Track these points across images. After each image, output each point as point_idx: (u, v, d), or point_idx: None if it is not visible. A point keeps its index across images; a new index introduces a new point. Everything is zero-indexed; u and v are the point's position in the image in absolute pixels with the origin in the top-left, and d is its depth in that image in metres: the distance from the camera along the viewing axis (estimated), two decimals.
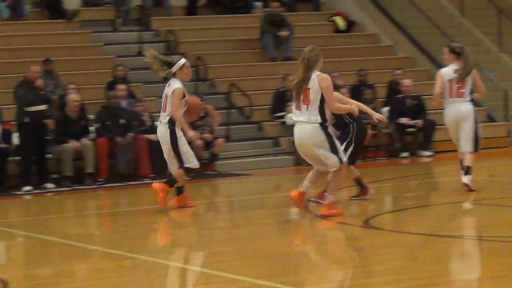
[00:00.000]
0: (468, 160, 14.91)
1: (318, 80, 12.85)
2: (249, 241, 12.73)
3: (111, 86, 20.84)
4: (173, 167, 15.04)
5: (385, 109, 21.99)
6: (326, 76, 12.95)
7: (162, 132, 14.81)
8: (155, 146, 19.59)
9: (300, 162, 20.87)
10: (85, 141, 19.42)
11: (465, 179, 14.88)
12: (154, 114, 20.51)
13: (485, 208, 14.42)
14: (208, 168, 20.27)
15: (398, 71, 22.76)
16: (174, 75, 14.81)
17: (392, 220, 13.71)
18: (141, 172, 19.63)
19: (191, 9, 25.87)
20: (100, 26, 24.64)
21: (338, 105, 13.05)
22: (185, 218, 15.54)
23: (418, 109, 21.39)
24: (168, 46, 23.83)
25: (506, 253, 10.80)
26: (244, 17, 25.94)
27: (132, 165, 19.70)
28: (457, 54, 15.48)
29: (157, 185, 15.11)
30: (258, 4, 26.33)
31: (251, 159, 21.13)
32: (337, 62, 23.52)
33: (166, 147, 14.83)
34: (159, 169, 19.64)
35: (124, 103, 20.26)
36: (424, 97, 21.49)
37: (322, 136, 12.88)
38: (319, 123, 12.89)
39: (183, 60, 14.93)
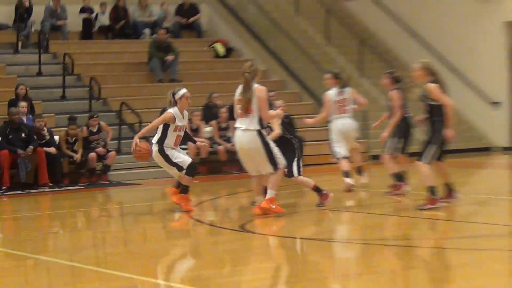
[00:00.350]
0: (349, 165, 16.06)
1: (256, 91, 13.23)
2: (138, 243, 12.83)
3: (13, 103, 20.63)
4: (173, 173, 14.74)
5: None
6: (262, 87, 13.41)
7: (153, 151, 14.47)
8: (53, 158, 19.67)
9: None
10: None
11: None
12: (52, 129, 20.44)
13: (347, 214, 14.72)
14: (101, 178, 20.32)
15: (272, 93, 22.87)
16: (175, 103, 14.52)
17: (264, 224, 13.83)
18: (40, 181, 19.45)
19: (86, 34, 25.78)
20: (2, 48, 24.36)
21: (269, 113, 13.47)
22: (80, 223, 15.52)
23: (289, 127, 21.58)
24: (65, 67, 23.66)
25: (359, 255, 11.07)
26: (134, 42, 25.94)
27: (32, 175, 19.52)
28: (339, 78, 16.96)
29: (175, 198, 14.82)
30: (146, 31, 26.31)
31: (139, 170, 21.11)
32: (217, 84, 23.74)
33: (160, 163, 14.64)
34: (57, 178, 19.65)
35: (25, 119, 20.11)
36: (294, 116, 21.71)
37: (259, 142, 13.26)
38: (257, 130, 13.27)
39: (183, 91, 14.73)
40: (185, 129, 14.67)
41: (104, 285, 9.76)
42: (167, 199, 15.41)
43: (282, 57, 25.89)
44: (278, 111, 14.02)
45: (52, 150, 19.73)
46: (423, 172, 13.65)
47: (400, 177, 15.86)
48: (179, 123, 14.33)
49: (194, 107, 21.55)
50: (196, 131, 20.95)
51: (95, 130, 20.51)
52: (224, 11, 27.30)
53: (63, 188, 19.52)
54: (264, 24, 26.70)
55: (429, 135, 13.61)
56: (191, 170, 14.46)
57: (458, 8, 25.74)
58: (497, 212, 14.55)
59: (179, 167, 14.38)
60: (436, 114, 13.54)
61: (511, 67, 25.49)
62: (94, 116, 20.68)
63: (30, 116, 20.46)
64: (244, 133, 13.36)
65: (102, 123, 20.70)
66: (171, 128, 14.29)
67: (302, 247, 11.87)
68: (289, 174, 14.18)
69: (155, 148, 14.39)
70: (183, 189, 14.59)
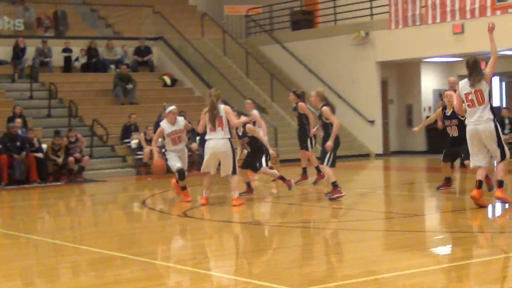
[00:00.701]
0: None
1: (224, 109, 13.01)
2: (105, 225, 12.60)
3: (11, 119, 20.32)
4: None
5: (197, 138, 22.01)
6: (227, 106, 13.26)
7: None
8: (40, 161, 19.37)
9: (140, 173, 20.82)
10: None
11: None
12: (40, 139, 20.13)
13: (264, 204, 14.59)
14: (78, 176, 19.98)
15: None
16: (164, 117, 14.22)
17: (203, 211, 13.69)
18: (31, 178, 19.15)
19: (67, 68, 25.43)
20: (2, 78, 23.96)
21: (237, 121, 13.31)
22: (61, 210, 15.26)
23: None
24: (50, 93, 23.31)
25: (274, 234, 10.94)
26: (102, 75, 25.60)
27: (25, 173, 19.20)
28: (256, 104, 17.06)
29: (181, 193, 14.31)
30: (112, 66, 26.03)
31: (107, 170, 20.88)
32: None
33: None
34: (44, 176, 19.36)
35: (20, 131, 19.78)
36: None
37: (230, 148, 13.00)
38: (228, 138, 13.04)
39: (171, 108, 14.09)
40: (183, 131, 14.23)
41: (79, 258, 9.55)
42: (128, 192, 15.26)
43: (213, 86, 25.60)
44: (243, 118, 13.80)
45: (39, 155, 19.47)
46: (326, 172, 13.56)
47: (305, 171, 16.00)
48: (169, 130, 13.97)
49: (148, 122, 21.45)
50: (149, 141, 20.68)
51: (73, 140, 20.20)
52: (170, 52, 27.11)
53: (48, 184, 19.21)
54: (200, 62, 26.54)
55: (324, 144, 13.47)
56: (179, 175, 14.01)
57: (343, 51, 25.85)
58: (373, 202, 14.52)
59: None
60: (327, 129, 13.46)
61: (382, 94, 25.68)
62: (72, 130, 20.44)
63: (24, 129, 20.14)
64: (219, 141, 12.98)
65: (78, 135, 20.43)
66: (165, 135, 13.98)
67: (227, 229, 11.71)
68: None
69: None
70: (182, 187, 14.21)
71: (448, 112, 13.82)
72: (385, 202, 14.63)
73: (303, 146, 16.10)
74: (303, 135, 16.06)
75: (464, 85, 11.91)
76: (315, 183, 15.95)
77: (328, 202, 13.37)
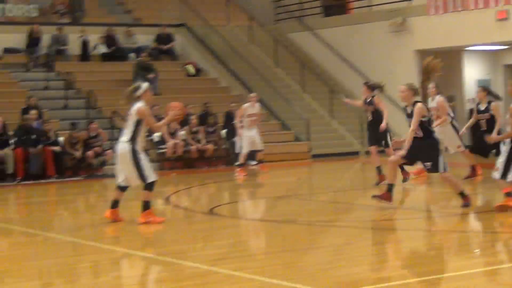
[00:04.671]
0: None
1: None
2: (127, 223, 12.63)
3: (25, 111, 20.45)
4: (132, 182, 11.72)
5: (224, 131, 22.11)
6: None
7: (122, 149, 11.46)
8: (57, 155, 19.51)
9: (163, 167, 20.88)
10: (7, 150, 19.08)
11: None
12: (56, 132, 20.26)
13: (297, 200, 14.58)
14: (98, 170, 20.10)
15: (233, 104, 22.88)
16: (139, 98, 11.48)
17: (230, 209, 13.75)
18: (48, 173, 19.29)
19: (84, 57, 25.53)
20: (17, 67, 24.12)
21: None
22: (80, 206, 15.36)
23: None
24: (67, 83, 23.44)
25: (305, 233, 10.96)
26: (122, 63, 25.65)
27: (41, 168, 19.33)
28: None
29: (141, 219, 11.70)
30: (132, 55, 26.11)
31: None
32: (188, 97, 23.54)
33: (125, 164, 11.51)
34: (61, 171, 19.51)
35: (35, 124, 19.93)
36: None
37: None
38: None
39: (145, 85, 11.66)
40: None
41: (99, 257, 9.62)
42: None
43: (240, 76, 25.78)
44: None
45: (56, 148, 19.61)
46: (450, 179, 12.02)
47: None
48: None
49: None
50: (173, 134, 20.80)
51: (94, 134, 20.33)
52: (194, 40, 27.14)
53: (66, 179, 19.33)
54: (226, 50, 26.57)
55: None
56: (153, 184, 11.70)
57: (378, 39, 25.75)
58: (415, 199, 14.45)
59: (142, 176, 11.52)
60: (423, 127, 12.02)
61: (421, 85, 25.50)
62: (94, 122, 20.57)
63: (39, 121, 20.28)
64: None
65: (100, 130, 20.52)
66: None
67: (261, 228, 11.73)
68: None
69: (123, 146, 11.49)
70: (144, 205, 11.73)
71: (482, 107, 14.97)
72: (427, 199, 14.59)
73: (380, 144, 15.47)
74: (378, 131, 15.35)
75: None
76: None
77: (371, 200, 13.30)
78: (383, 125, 15.16)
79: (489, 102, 15.29)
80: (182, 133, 21.42)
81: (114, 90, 24.26)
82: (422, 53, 25.23)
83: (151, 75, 24.15)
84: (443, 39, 24.14)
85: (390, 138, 15.46)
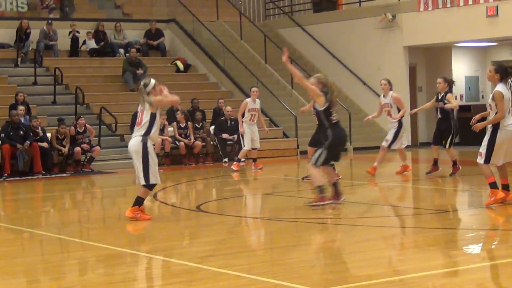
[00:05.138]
0: None
1: None
2: (114, 220, 12.66)
3: (13, 107, 20.41)
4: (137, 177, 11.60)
5: (212, 127, 22.13)
6: None
7: (134, 144, 11.49)
8: (45, 151, 19.50)
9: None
10: None
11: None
12: (44, 128, 20.23)
13: (280, 198, 14.61)
14: (85, 167, 20.06)
15: (221, 101, 22.93)
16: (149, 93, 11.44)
17: (217, 206, 13.77)
18: (35, 169, 19.21)
19: (73, 52, 25.51)
20: (5, 63, 24.09)
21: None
22: (67, 203, 15.35)
23: (235, 127, 21.41)
24: (55, 78, 23.38)
25: (292, 230, 11.00)
26: (111, 59, 25.67)
27: (28, 164, 19.28)
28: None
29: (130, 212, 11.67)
30: (121, 50, 26.10)
31: (116, 161, 20.94)
32: (178, 93, 23.34)
33: (136, 158, 11.47)
34: (48, 167, 19.48)
35: (23, 119, 19.88)
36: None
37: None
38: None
39: (154, 81, 11.57)
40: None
41: (86, 254, 9.64)
42: (138, 185, 15.25)
43: (229, 72, 25.80)
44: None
45: (44, 144, 19.56)
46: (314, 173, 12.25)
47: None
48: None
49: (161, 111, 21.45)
50: (161, 130, 20.78)
51: (81, 130, 20.29)
52: (183, 35, 27.15)
53: (53, 175, 19.31)
54: (215, 46, 26.57)
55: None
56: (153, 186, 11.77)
57: (368, 35, 25.80)
58: (400, 196, 14.50)
59: (147, 175, 11.50)
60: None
61: (411, 81, 25.61)
62: (81, 118, 20.51)
63: (27, 117, 20.24)
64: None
65: (87, 125, 20.47)
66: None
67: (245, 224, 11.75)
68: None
69: (137, 141, 11.47)
70: (137, 200, 11.75)
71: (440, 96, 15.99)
72: (412, 196, 14.65)
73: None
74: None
75: None
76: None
77: (350, 197, 13.36)
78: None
79: (446, 93, 15.88)
80: (170, 129, 21.44)
81: (103, 86, 24.37)
82: (411, 49, 25.36)
83: (140, 71, 24.17)
84: (433, 35, 24.20)
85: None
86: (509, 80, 12.48)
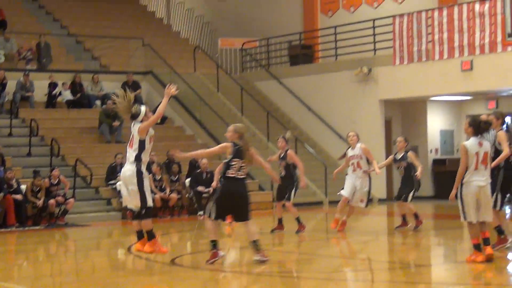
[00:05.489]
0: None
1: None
2: (88, 274, 12.56)
3: None
4: (132, 203, 12.04)
5: (187, 180, 22.10)
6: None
7: (127, 171, 11.98)
8: (19, 203, 19.37)
9: (126, 217, 20.77)
10: None
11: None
12: (19, 179, 20.13)
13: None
14: (59, 220, 19.95)
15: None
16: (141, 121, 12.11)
17: (192, 259, 13.69)
18: (9, 222, 19.08)
19: (50, 104, 25.54)
20: None
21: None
22: (41, 256, 15.22)
23: (211, 180, 21.39)
24: (31, 130, 23.34)
25: (266, 285, 10.94)
26: (87, 110, 25.70)
27: (2, 216, 19.12)
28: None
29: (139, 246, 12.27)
30: (98, 102, 26.15)
31: (90, 214, 20.86)
32: (153, 145, 23.43)
33: (129, 185, 11.96)
34: (22, 220, 19.35)
35: None
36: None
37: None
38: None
39: (144, 108, 12.25)
40: None
41: None
42: (112, 237, 15.23)
43: (205, 125, 25.88)
44: None
45: (18, 197, 19.45)
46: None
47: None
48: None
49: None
50: None
51: (55, 182, 20.21)
52: (160, 87, 27.21)
53: (27, 228, 19.18)
54: (192, 98, 26.67)
55: None
56: (151, 209, 12.20)
57: (344, 88, 26.05)
58: (375, 250, 14.51)
59: (144, 200, 11.93)
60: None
61: (386, 135, 25.76)
62: (56, 169, 20.44)
63: (2, 168, 20.15)
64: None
65: (61, 177, 20.40)
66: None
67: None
68: None
69: (132, 166, 11.94)
70: (149, 234, 12.22)
71: (399, 156, 16.35)
72: (388, 250, 14.65)
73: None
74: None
75: None
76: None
77: (326, 250, 13.35)
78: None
79: (406, 151, 16.24)
80: None
81: (79, 137, 24.34)
82: (387, 103, 25.57)
83: (116, 123, 24.18)
84: (408, 89, 24.44)
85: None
86: (492, 132, 12.52)
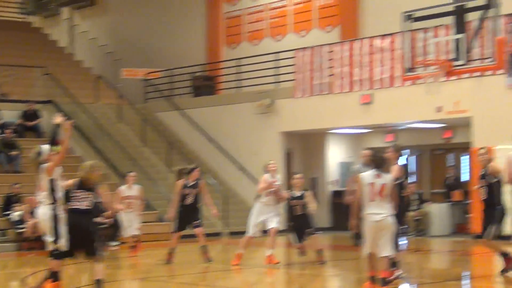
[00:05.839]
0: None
1: None
2: None
3: None
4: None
5: None
6: None
7: (43, 214, 12.09)
8: None
9: (21, 248, 20.34)
10: None
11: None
12: None
13: (157, 283, 14.41)
14: None
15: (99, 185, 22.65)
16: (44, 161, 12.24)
17: None
18: None
19: None
20: None
21: None
22: None
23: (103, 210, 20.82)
24: None
25: None
26: None
27: None
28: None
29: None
30: None
31: None
32: None
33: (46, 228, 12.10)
34: None
35: None
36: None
37: None
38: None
39: (46, 147, 12.46)
40: None
41: None
42: (7, 269, 14.91)
43: (106, 155, 25.64)
44: None
45: None
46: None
47: None
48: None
49: (32, 193, 21.09)
50: (32, 213, 20.36)
51: None
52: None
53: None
54: (93, 128, 26.44)
55: None
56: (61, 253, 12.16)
57: (246, 119, 26.21)
58: (274, 281, 14.52)
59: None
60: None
61: (287, 167, 25.95)
62: None
63: None
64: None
65: None
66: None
67: None
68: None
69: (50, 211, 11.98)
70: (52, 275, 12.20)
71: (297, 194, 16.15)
72: (286, 282, 14.72)
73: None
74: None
75: None
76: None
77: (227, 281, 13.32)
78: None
79: (305, 190, 16.28)
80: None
81: None
82: (288, 135, 25.81)
83: (13, 152, 23.79)
84: (309, 121, 24.73)
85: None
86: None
